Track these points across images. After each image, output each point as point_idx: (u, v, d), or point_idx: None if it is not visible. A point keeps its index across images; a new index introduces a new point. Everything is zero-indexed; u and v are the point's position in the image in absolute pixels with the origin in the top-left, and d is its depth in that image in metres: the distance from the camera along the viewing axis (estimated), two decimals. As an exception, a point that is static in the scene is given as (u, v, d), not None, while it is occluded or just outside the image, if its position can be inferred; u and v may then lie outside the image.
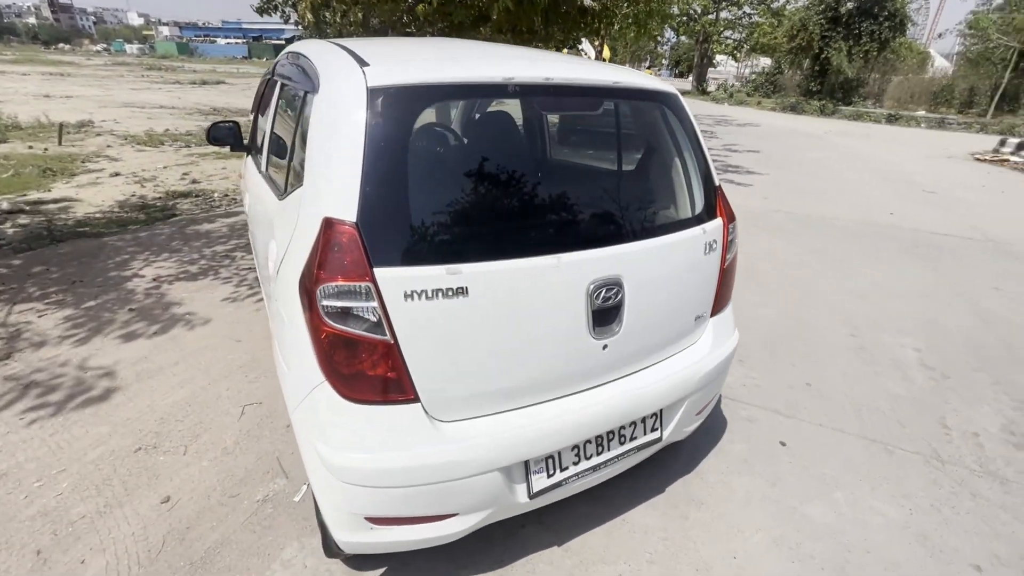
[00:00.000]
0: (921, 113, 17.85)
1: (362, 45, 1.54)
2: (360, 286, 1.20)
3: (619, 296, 1.46)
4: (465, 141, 2.08)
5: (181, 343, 2.93)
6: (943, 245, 5.41)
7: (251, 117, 3.08)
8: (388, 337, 1.22)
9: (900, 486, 2.17)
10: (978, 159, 10.99)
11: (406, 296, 1.22)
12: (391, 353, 1.23)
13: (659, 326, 1.62)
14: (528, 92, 1.43)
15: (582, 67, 1.54)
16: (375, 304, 1.20)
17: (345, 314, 1.21)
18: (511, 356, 1.37)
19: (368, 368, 1.23)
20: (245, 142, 2.93)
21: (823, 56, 18.67)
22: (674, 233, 1.60)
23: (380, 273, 1.20)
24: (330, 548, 1.52)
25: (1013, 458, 2.37)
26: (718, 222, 1.73)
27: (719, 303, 1.82)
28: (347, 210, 1.21)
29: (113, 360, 2.72)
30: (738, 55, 28.05)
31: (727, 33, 26.01)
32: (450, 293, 1.25)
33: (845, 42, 17.91)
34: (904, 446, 2.41)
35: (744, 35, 25.51)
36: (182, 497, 1.94)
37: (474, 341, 1.31)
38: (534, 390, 1.44)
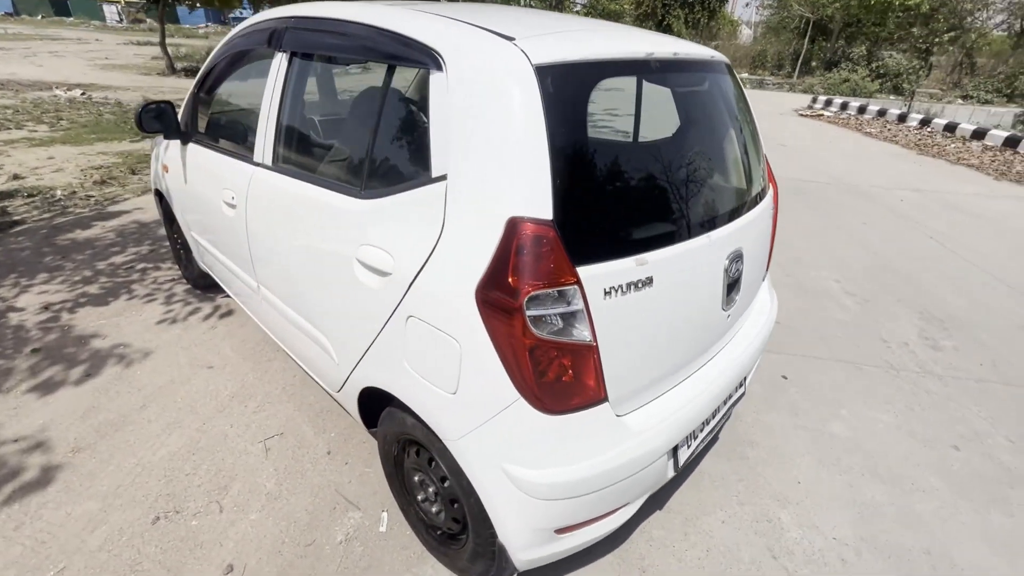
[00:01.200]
0: (745, 75, 20.64)
1: (451, 9, 1.35)
2: (568, 290, 1.09)
3: (741, 266, 1.53)
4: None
5: (133, 383, 2.38)
6: (811, 191, 6.41)
7: (188, 96, 2.51)
8: (591, 339, 1.14)
9: (879, 395, 2.62)
10: (801, 115, 13.06)
11: (605, 293, 1.14)
12: (593, 356, 1.15)
13: (751, 290, 1.73)
14: (664, 68, 1.38)
15: (679, 42, 1.53)
16: (581, 307, 1.11)
17: (550, 321, 1.10)
18: (674, 339, 1.37)
19: (571, 376, 1.14)
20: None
21: (665, 23, 20.50)
22: (762, 200, 1.70)
23: (582, 272, 1.10)
24: (503, 571, 1.41)
25: (937, 358, 2.99)
26: (770, 187, 1.87)
27: (768, 262, 1.99)
28: (540, 207, 1.08)
29: (45, 420, 2.13)
30: (587, 21, 29.50)
31: (577, -1, 27.17)
32: (640, 285, 1.20)
33: (682, 10, 19.84)
34: (867, 362, 2.90)
35: (591, 1, 26.88)
36: (248, 562, 1.63)
37: (653, 330, 1.29)
38: (681, 369, 1.46)
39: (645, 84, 1.73)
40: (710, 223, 1.39)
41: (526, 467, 1.19)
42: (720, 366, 1.58)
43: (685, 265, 1.31)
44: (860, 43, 19.78)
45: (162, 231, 4.02)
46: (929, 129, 10.89)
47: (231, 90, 2.34)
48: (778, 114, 13.12)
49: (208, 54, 14.95)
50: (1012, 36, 23.99)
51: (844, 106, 13.36)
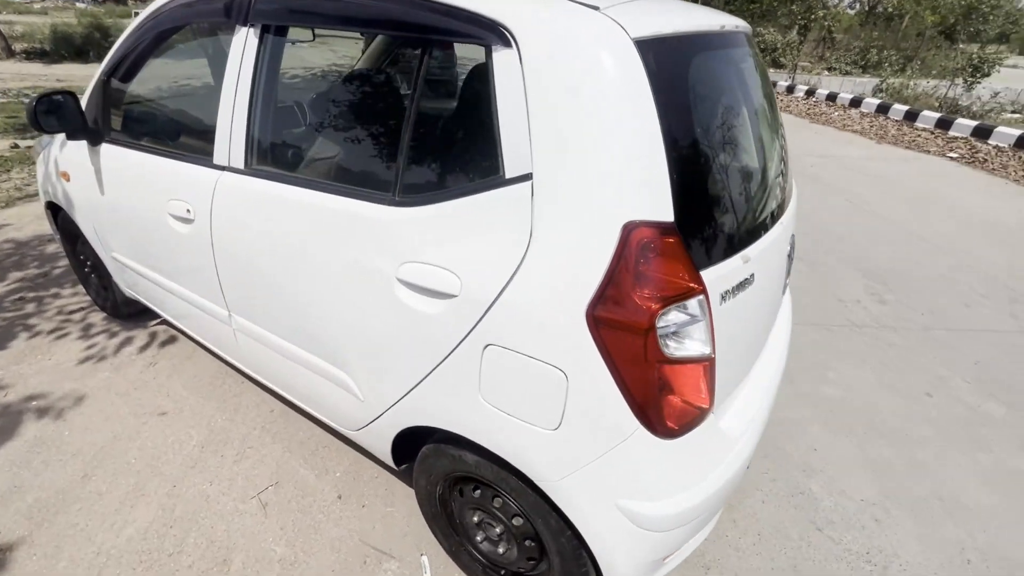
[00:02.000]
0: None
1: None
2: (695, 300, 0.95)
3: (791, 247, 1.48)
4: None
5: (63, 447, 1.92)
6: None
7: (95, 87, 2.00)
8: (711, 351, 1.01)
9: (853, 354, 2.80)
10: None
11: (721, 299, 1.02)
12: (711, 368, 1.03)
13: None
14: (729, 43, 1.25)
15: (719, 13, 1.41)
16: (705, 317, 0.98)
17: (677, 337, 0.96)
18: (755, 332, 1.29)
19: (693, 394, 1.02)
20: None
21: None
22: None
23: (705, 278, 0.97)
24: None
25: (887, 312, 3.26)
26: None
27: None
28: (660, 208, 0.92)
29: (-44, 511, 1.65)
30: None
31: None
32: (744, 284, 1.09)
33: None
34: (833, 323, 3.09)
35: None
36: (280, 648, 1.36)
37: (744, 328, 1.19)
38: (753, 357, 1.40)
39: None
40: (779, 208, 1.32)
41: (645, 500, 1.05)
42: (773, 349, 1.54)
43: (771, 256, 1.23)
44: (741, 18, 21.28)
45: (51, 248, 3.32)
46: (814, 99, 11.96)
47: (164, 76, 1.89)
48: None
49: (56, 33, 12.70)
50: (861, 14, 26.91)
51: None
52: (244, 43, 1.42)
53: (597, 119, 0.92)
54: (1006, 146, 7.59)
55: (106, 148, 1.92)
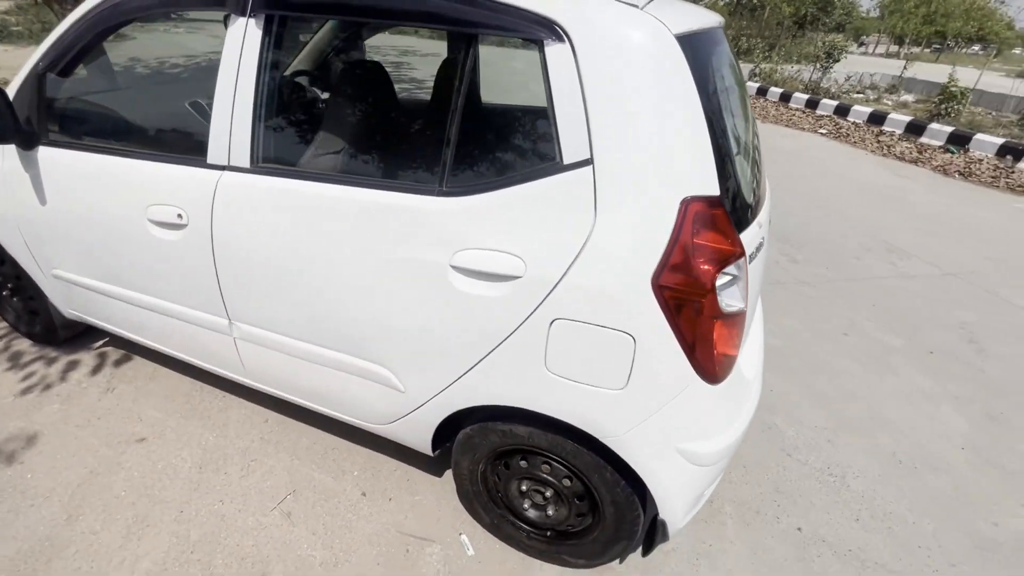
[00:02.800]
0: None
1: None
2: (740, 263, 1.11)
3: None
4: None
5: (29, 491, 1.71)
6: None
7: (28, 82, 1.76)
8: (745, 305, 1.18)
9: (782, 306, 3.22)
10: None
11: (749, 259, 1.20)
12: (743, 320, 1.21)
13: None
14: (721, 38, 1.41)
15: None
16: (744, 275, 1.15)
17: (726, 295, 1.11)
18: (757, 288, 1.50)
19: (732, 343, 1.18)
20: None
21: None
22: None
23: (744, 241, 1.14)
24: (651, 547, 1.42)
25: (800, 268, 3.75)
26: None
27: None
28: (709, 184, 1.06)
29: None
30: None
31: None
32: (760, 247, 1.28)
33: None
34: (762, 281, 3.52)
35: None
36: (348, 644, 1.37)
37: (755, 284, 1.38)
38: (754, 310, 1.61)
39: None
40: (761, 180, 1.53)
41: (701, 440, 1.21)
42: (757, 303, 1.78)
43: (764, 222, 1.43)
44: None
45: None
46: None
47: (126, 68, 1.70)
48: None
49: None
50: (730, 4, 29.40)
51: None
52: (244, 33, 1.35)
53: (652, 107, 1.04)
54: (862, 122, 8.87)
55: (46, 152, 1.71)
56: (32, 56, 1.70)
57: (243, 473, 1.82)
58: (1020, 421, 2.42)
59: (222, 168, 1.44)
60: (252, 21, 1.33)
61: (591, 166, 1.08)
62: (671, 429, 1.20)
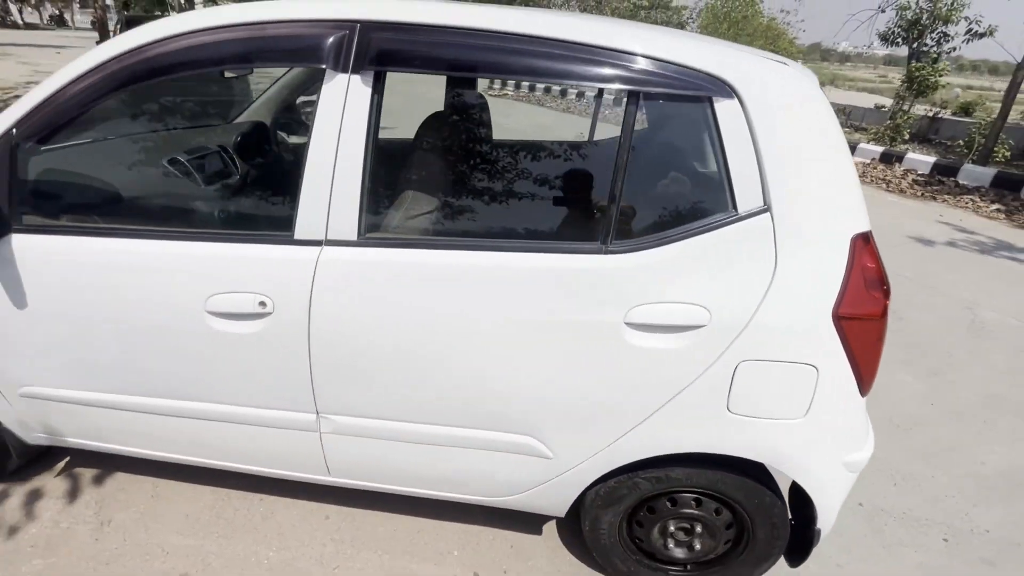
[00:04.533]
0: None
1: (628, 28, 1.20)
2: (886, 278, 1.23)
3: None
4: None
5: None
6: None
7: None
8: None
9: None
10: None
11: None
12: None
13: None
14: None
15: None
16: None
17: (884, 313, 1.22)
18: None
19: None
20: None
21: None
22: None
23: None
24: (805, 557, 1.48)
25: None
26: None
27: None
28: (863, 219, 1.17)
29: None
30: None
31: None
32: None
33: None
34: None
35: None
36: None
37: None
38: None
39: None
40: None
41: (858, 450, 1.32)
42: None
43: None
44: None
45: None
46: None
47: (147, 133, 1.37)
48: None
49: None
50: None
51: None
52: (346, 92, 1.19)
53: (817, 153, 1.13)
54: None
55: (23, 241, 1.34)
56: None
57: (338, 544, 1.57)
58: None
59: (317, 243, 1.25)
60: (357, 79, 1.18)
61: (768, 213, 1.13)
62: (838, 445, 1.29)
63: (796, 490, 1.43)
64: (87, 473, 1.89)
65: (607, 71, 1.14)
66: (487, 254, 1.21)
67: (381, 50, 1.17)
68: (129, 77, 1.25)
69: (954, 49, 10.99)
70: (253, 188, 1.35)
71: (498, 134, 1.72)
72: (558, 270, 1.19)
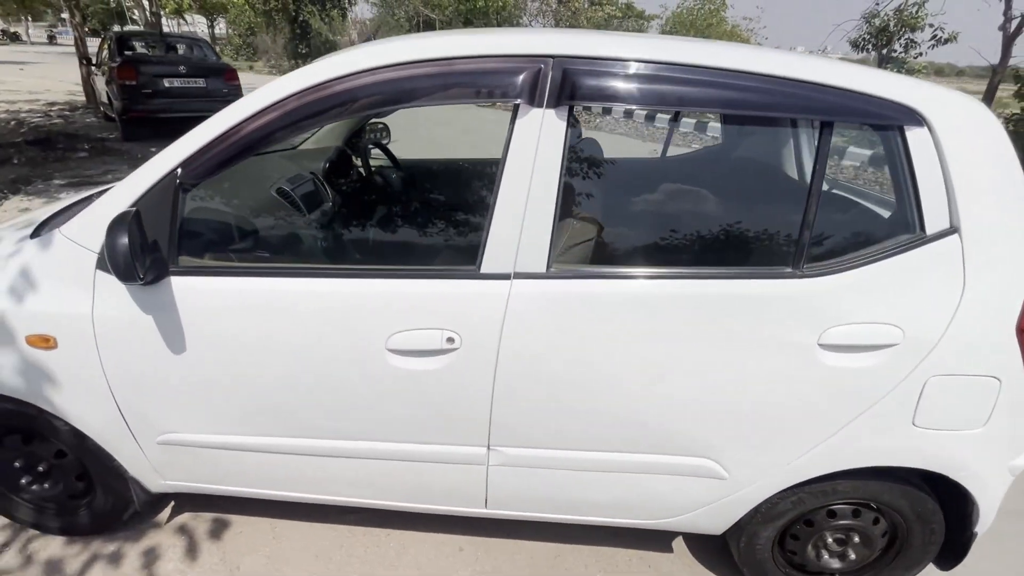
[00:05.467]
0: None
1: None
2: None
3: None
4: None
5: None
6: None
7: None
8: None
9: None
10: None
11: None
12: None
13: None
14: None
15: None
16: None
17: None
18: None
19: None
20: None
21: (300, 19, 19.24)
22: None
23: None
24: (959, 560, 1.53)
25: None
26: None
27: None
28: None
29: None
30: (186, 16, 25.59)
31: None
32: None
33: (315, 5, 19.02)
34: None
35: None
36: None
37: None
38: None
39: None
40: None
41: (1021, 455, 1.38)
42: None
43: None
44: None
45: None
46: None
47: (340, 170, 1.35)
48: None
49: None
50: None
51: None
52: (540, 126, 1.19)
53: (1001, 175, 1.19)
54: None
55: (184, 283, 1.29)
56: (155, 160, 1.27)
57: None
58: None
59: (505, 277, 1.24)
60: (551, 113, 1.19)
61: (957, 234, 1.19)
62: (1007, 450, 1.35)
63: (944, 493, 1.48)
64: (199, 518, 1.81)
65: (804, 103, 1.18)
66: (679, 283, 1.23)
67: (576, 84, 1.18)
68: (311, 114, 1.22)
69: (921, 55, 11.58)
70: (424, 221, 1.34)
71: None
72: (752, 296, 1.21)
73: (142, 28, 15.89)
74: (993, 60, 8.22)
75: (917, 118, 1.17)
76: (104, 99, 8.24)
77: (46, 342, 1.35)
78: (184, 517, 1.81)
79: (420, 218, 1.36)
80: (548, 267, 1.24)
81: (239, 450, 1.46)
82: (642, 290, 1.24)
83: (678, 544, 1.82)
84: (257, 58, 22.71)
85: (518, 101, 1.19)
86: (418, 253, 1.33)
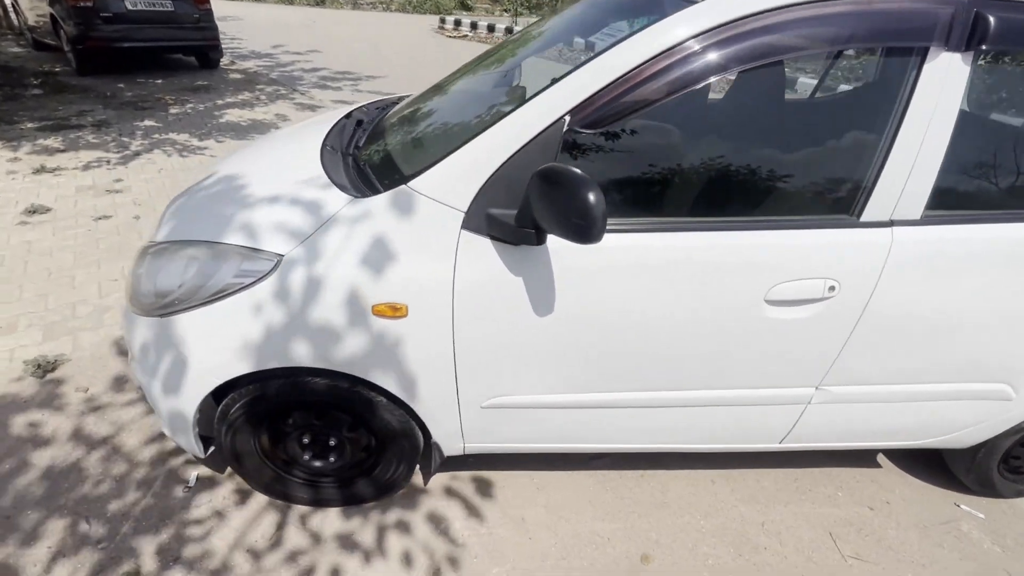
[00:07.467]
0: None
1: None
2: None
3: None
4: None
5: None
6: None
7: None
8: None
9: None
10: (448, 36, 13.67)
11: None
12: None
13: None
14: None
15: None
16: None
17: None
18: None
19: None
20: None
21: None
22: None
23: None
24: None
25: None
26: None
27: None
28: None
29: None
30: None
31: None
32: None
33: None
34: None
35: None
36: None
37: None
38: None
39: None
40: None
41: None
42: None
43: None
44: None
45: None
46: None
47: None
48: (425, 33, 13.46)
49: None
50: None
51: (474, 25, 14.70)
52: (947, 71, 1.18)
53: None
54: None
55: (560, 242, 1.21)
56: (533, 104, 1.15)
57: (779, 543, 1.68)
58: None
59: (886, 225, 1.27)
60: (958, 57, 1.18)
61: None
62: None
63: None
64: (457, 478, 1.79)
65: None
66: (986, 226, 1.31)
67: (988, 28, 1.16)
68: (720, 63, 1.14)
69: None
70: (801, 166, 1.31)
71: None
72: None
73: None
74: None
75: None
76: (32, 21, 6.95)
77: (395, 311, 1.23)
78: (442, 479, 1.78)
79: (797, 164, 1.33)
80: (922, 213, 1.28)
81: (566, 408, 1.45)
82: (982, 235, 1.31)
83: (881, 459, 2.04)
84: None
85: (928, 45, 1.17)
86: (795, 201, 1.31)
